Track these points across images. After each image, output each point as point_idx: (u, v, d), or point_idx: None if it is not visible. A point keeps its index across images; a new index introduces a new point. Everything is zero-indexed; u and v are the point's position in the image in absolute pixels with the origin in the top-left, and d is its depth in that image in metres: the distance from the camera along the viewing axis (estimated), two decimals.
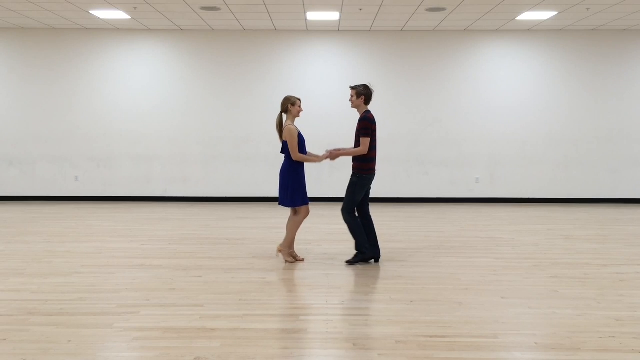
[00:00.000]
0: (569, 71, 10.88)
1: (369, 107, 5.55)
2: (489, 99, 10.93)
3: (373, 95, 5.56)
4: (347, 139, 10.49)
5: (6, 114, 10.90)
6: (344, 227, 7.80)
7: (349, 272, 5.24)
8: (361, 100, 5.43)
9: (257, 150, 10.98)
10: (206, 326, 3.69)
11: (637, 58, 10.84)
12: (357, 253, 5.57)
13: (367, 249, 5.52)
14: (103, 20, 10.01)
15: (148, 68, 10.88)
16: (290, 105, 5.43)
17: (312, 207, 10.07)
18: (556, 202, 11.01)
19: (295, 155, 5.34)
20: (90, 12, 9.33)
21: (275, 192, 10.99)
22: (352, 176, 5.47)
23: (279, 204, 5.52)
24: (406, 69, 10.89)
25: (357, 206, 5.57)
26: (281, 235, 7.23)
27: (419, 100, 10.95)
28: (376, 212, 9.49)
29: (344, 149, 5.51)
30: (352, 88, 5.47)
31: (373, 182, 5.76)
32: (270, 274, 5.16)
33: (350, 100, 5.49)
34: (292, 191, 5.41)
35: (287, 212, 9.56)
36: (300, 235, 7.22)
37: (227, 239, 6.91)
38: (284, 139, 5.39)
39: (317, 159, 5.43)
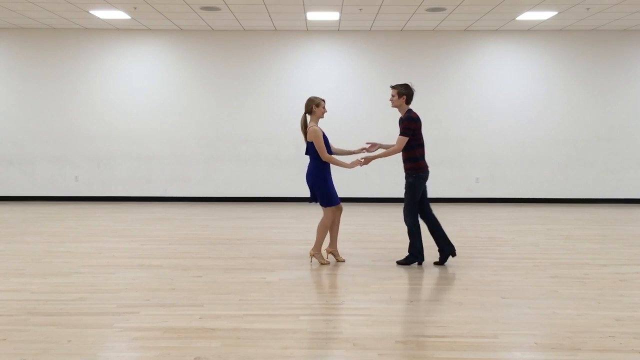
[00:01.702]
0: (569, 71, 10.88)
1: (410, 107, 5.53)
2: (489, 99, 10.93)
3: (414, 95, 5.53)
4: (347, 138, 10.50)
5: (6, 114, 10.90)
6: (344, 228, 7.80)
7: (349, 272, 5.24)
8: (402, 100, 5.39)
9: (257, 150, 10.98)
10: (206, 326, 3.69)
11: (637, 58, 10.84)
12: (408, 255, 5.55)
13: (419, 253, 5.50)
14: (103, 20, 10.01)
15: (148, 68, 10.88)
16: (314, 106, 5.41)
17: (314, 208, 10.08)
18: (556, 202, 11.01)
19: (324, 156, 5.33)
20: (90, 12, 9.33)
21: (275, 192, 11.00)
22: (407, 177, 5.41)
23: (319, 204, 5.48)
24: (406, 69, 10.89)
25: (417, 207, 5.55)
26: (281, 235, 7.23)
27: (419, 100, 10.95)
28: (377, 212, 9.49)
29: (378, 151, 5.40)
30: (393, 87, 5.43)
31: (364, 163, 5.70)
32: (270, 274, 5.16)
33: (391, 100, 5.45)
34: (321, 192, 5.39)
35: (288, 212, 9.56)
36: (301, 235, 7.22)
37: (227, 239, 6.91)
38: (309, 140, 5.37)
39: (347, 165, 5.39)
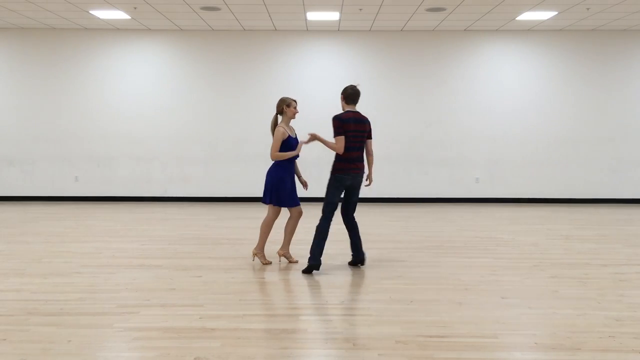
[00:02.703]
0: (569, 71, 10.88)
1: (358, 108, 5.48)
2: (489, 99, 10.93)
3: (357, 96, 5.35)
4: None
5: (6, 113, 10.90)
6: (342, 228, 7.79)
7: (349, 272, 5.24)
8: (342, 100, 5.38)
9: (257, 150, 10.96)
10: (206, 326, 3.69)
11: (637, 58, 10.84)
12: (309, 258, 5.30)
13: (315, 259, 5.22)
14: (103, 20, 10.01)
15: (148, 68, 10.88)
16: (285, 107, 5.42)
17: (313, 207, 10.08)
18: (556, 202, 11.01)
19: (272, 154, 5.27)
20: (90, 12, 9.33)
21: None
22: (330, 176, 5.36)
23: (265, 202, 5.45)
24: (406, 69, 10.89)
25: (338, 208, 5.37)
26: (280, 235, 7.22)
27: (419, 100, 10.95)
28: (376, 212, 9.49)
29: (323, 138, 5.32)
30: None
31: (369, 185, 5.63)
32: (270, 274, 5.16)
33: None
34: (275, 190, 5.35)
35: (288, 212, 9.56)
36: (299, 235, 7.21)
37: (227, 239, 6.91)
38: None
39: (293, 152, 5.32)
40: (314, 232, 5.28)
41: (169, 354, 3.21)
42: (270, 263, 5.58)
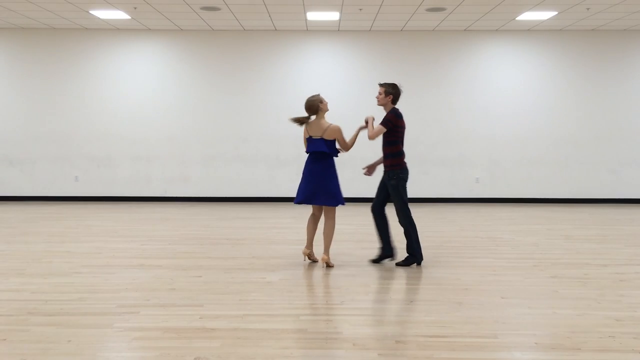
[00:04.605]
0: (569, 71, 10.88)
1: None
2: (489, 99, 10.93)
3: (401, 96, 5.54)
4: (347, 138, 10.49)
5: (6, 113, 10.90)
6: (344, 228, 7.80)
7: (349, 272, 5.24)
8: (388, 99, 5.40)
9: (257, 150, 10.98)
10: (206, 326, 3.69)
11: (637, 58, 10.84)
12: (407, 256, 5.55)
13: (417, 253, 5.49)
14: (103, 20, 10.01)
15: (148, 68, 10.88)
16: (319, 104, 5.35)
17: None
18: (556, 202, 11.01)
19: (347, 146, 5.41)
20: (90, 12, 9.34)
21: (275, 192, 11.01)
22: (389, 178, 5.40)
23: (324, 205, 5.42)
24: (406, 69, 10.89)
25: (374, 203, 5.55)
26: (280, 235, 7.23)
27: (418, 100, 10.95)
28: None
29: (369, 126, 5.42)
30: (381, 85, 5.43)
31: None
32: (270, 274, 5.16)
33: (377, 98, 5.45)
34: (334, 190, 5.43)
35: (288, 212, 9.56)
36: (301, 235, 7.22)
37: (227, 239, 6.91)
38: (331, 137, 5.33)
39: (355, 134, 5.43)
40: (407, 234, 5.47)
41: (169, 354, 3.21)
42: (333, 266, 5.49)
